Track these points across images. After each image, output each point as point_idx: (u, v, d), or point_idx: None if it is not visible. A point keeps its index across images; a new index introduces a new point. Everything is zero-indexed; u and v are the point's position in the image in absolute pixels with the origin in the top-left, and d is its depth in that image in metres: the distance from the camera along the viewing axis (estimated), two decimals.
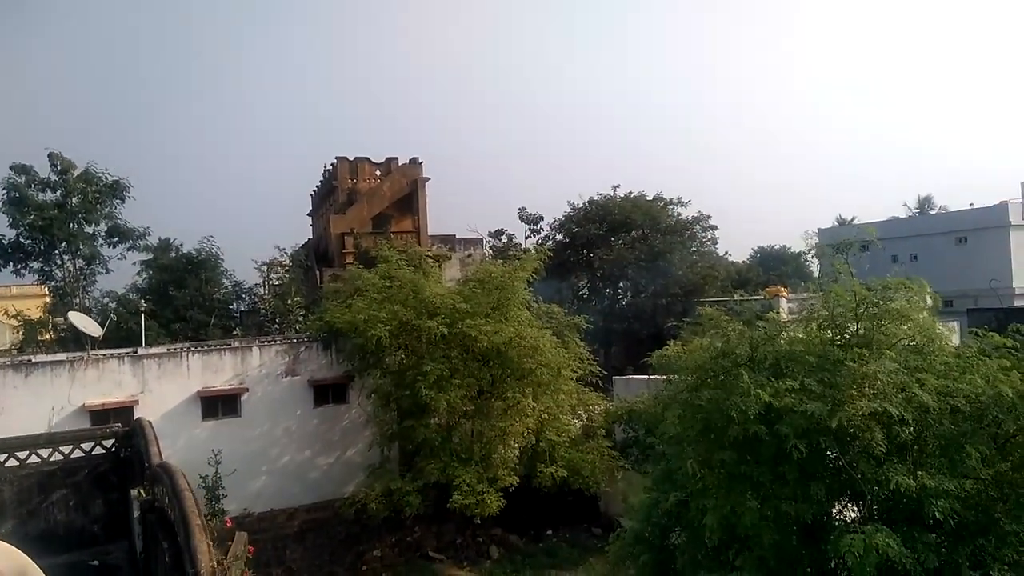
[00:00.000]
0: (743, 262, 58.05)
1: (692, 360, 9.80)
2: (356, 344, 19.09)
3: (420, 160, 38.61)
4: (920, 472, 7.18)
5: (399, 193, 37.43)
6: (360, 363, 20.02)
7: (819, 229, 58.96)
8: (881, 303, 8.75)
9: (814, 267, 63.79)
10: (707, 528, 8.50)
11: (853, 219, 64.50)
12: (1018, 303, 36.40)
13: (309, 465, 20.16)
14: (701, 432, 8.69)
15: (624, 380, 22.82)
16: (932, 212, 61.94)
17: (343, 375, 20.91)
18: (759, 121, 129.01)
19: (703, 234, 44.47)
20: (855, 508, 8.31)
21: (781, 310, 33.84)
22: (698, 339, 12.59)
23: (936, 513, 6.99)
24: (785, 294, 37.24)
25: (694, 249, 43.71)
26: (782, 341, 9.07)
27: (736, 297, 39.58)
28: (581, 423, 19.49)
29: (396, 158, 38.67)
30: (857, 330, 8.83)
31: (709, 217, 44.25)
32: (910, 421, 7.45)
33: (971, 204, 49.89)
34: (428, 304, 18.95)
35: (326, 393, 21.05)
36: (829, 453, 7.95)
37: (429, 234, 37.63)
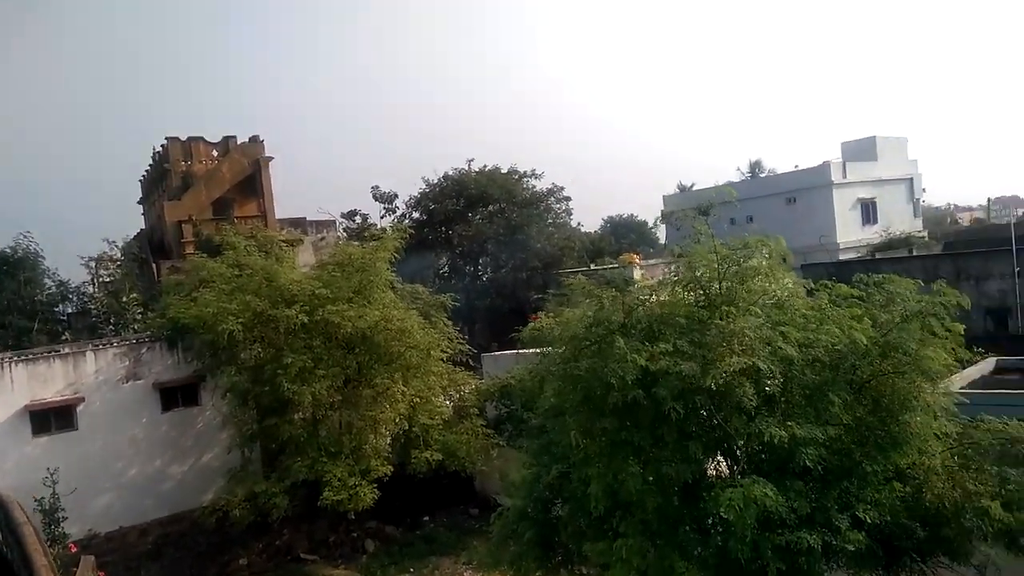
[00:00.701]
0: (595, 232, 59.96)
1: (567, 331, 9.69)
2: (205, 340, 17.70)
3: (261, 139, 36.43)
4: (790, 423, 7.40)
5: (240, 175, 35.05)
6: (211, 361, 18.63)
7: (664, 196, 61.84)
8: (742, 262, 8.99)
9: (660, 233, 66.92)
10: (592, 497, 8.44)
11: (692, 185, 68.11)
12: (843, 257, 39.77)
13: (161, 476, 18.59)
14: (581, 402, 8.58)
15: (493, 357, 22.73)
16: (762, 175, 66.37)
17: (193, 375, 19.40)
18: (598, 96, 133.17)
19: (558, 206, 45.27)
20: (728, 463, 8.53)
21: (635, 276, 35.28)
22: (570, 309, 12.57)
23: (807, 461, 7.25)
24: (638, 261, 38.80)
25: (550, 221, 44.40)
26: (651, 305, 9.12)
27: (593, 267, 40.94)
28: (453, 404, 19.18)
29: (234, 137, 36.17)
30: (720, 289, 9.01)
31: (563, 188, 45.10)
32: (777, 374, 7.68)
33: (796, 166, 54.00)
34: (284, 292, 17.86)
35: (175, 396, 19.46)
36: (703, 412, 8.06)
37: (277, 218, 35.68)
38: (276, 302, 17.53)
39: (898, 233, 44.11)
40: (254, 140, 36.03)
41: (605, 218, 72.77)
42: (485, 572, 15.48)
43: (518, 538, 10.73)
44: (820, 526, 7.40)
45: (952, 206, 79.01)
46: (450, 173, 43.98)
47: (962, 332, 7.97)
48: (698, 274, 9.16)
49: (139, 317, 25.04)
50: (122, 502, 17.91)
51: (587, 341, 9.15)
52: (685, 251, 9.38)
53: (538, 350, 18.75)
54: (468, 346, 19.75)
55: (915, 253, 35.24)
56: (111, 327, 26.22)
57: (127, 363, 18.87)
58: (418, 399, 17.82)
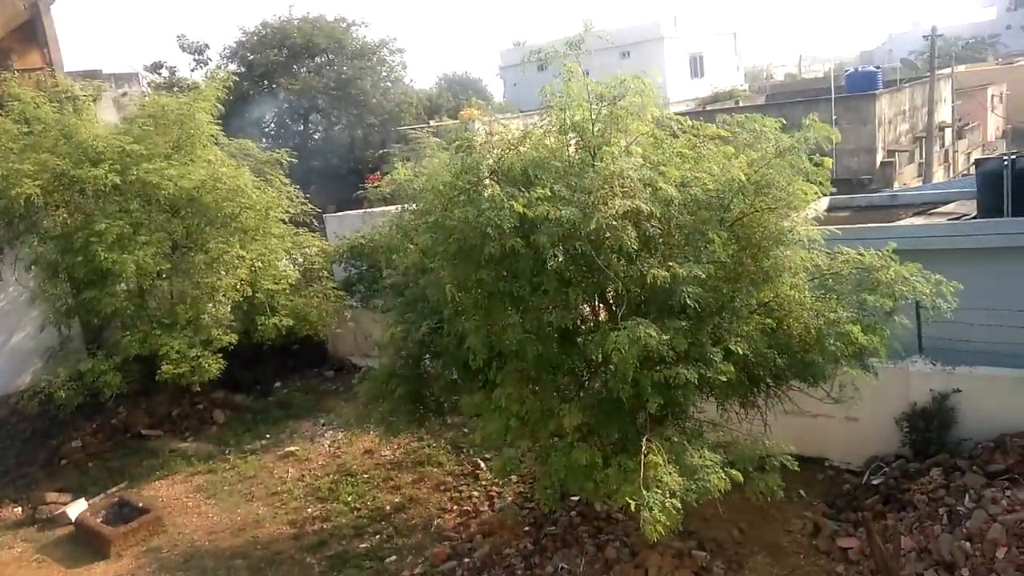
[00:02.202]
0: (431, 89, 57.75)
1: (433, 181, 9.03)
2: None
3: None
4: (671, 263, 7.36)
5: (15, 20, 29.36)
6: (7, 231, 16.10)
7: (501, 52, 60.44)
8: (616, 101, 8.61)
9: (495, 90, 65.65)
10: (471, 351, 8.18)
11: (525, 42, 66.71)
12: (674, 110, 40.97)
13: None
14: (455, 254, 8.09)
15: (337, 217, 21.62)
16: (594, 31, 65.98)
17: None
18: None
19: (391, 58, 42.64)
20: (605, 307, 8.51)
21: (478, 132, 34.44)
22: (430, 159, 11.83)
23: (688, 300, 7.28)
24: (479, 115, 37.89)
25: (384, 75, 41.90)
26: (524, 150, 8.60)
27: (432, 123, 39.50)
28: (299, 267, 18.05)
29: None
30: (594, 131, 8.63)
31: (395, 39, 42.51)
32: (657, 215, 7.54)
33: (624, 24, 54.13)
34: (88, 149, 15.50)
35: None
36: (583, 258, 7.84)
37: (67, 70, 30.95)
38: (79, 161, 15.26)
39: (724, 88, 45.98)
40: None
41: (440, 75, 70.15)
42: (348, 431, 15.36)
43: (388, 395, 10.48)
44: (695, 360, 7.60)
45: (769, 63, 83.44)
46: (269, 20, 39.96)
47: (831, 167, 8.18)
48: (572, 117, 8.69)
49: None
50: None
51: (456, 190, 8.57)
52: (557, 91, 8.80)
53: (388, 208, 17.99)
54: (311, 206, 18.44)
55: (741, 104, 36.91)
56: None
57: None
58: (259, 263, 16.55)
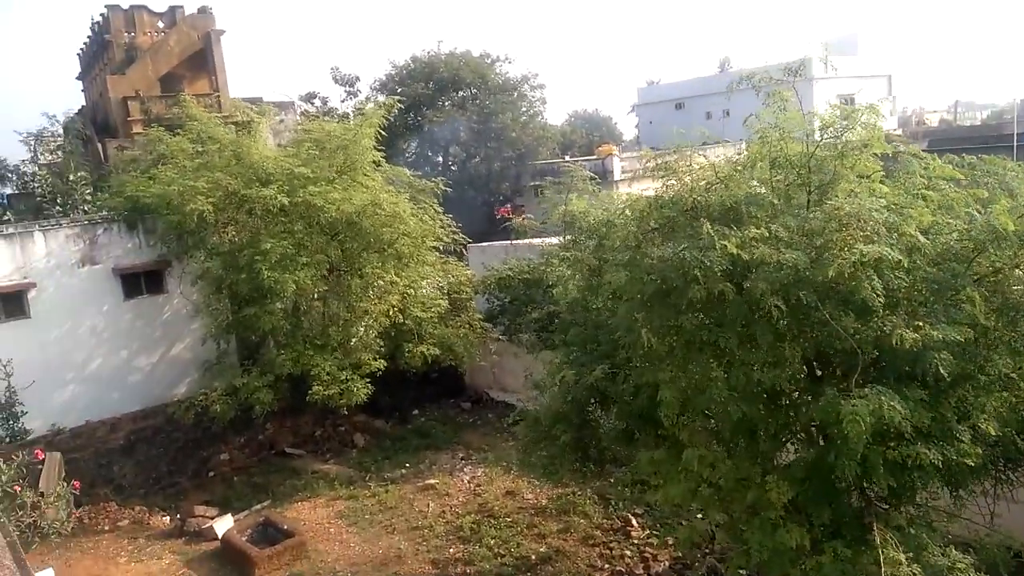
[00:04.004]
0: (562, 125, 57.93)
1: (625, 215, 8.40)
2: (170, 222, 15.91)
3: (210, 9, 33.14)
4: (920, 323, 6.31)
5: (189, 48, 32.14)
6: (178, 245, 16.91)
7: (638, 89, 60.10)
8: (842, 134, 7.73)
9: (623, 128, 64.99)
10: (662, 404, 7.36)
11: (658, 80, 65.93)
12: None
13: (128, 367, 17.08)
14: (652, 296, 7.34)
15: (480, 248, 21.44)
16: (730, 70, 64.37)
17: (158, 260, 17.63)
18: None
19: (532, 94, 42.89)
20: (830, 369, 7.48)
21: (615, 168, 33.81)
22: (604, 192, 11.26)
23: (941, 367, 6.19)
24: (617, 152, 37.29)
25: (524, 110, 42.14)
26: (732, 183, 7.80)
27: (567, 158, 39.03)
28: (445, 295, 17.88)
29: (181, 7, 32.89)
30: (813, 165, 7.73)
31: (537, 75, 42.79)
32: (905, 265, 6.52)
33: (766, 63, 52.30)
34: (258, 170, 16.03)
35: (138, 282, 17.70)
36: (806, 310, 6.89)
37: (231, 97, 32.96)
38: (249, 181, 15.78)
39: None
40: (203, 12, 32.72)
41: (570, 112, 70.41)
42: (488, 468, 14.82)
43: (552, 441, 9.80)
44: (936, 439, 6.47)
45: (920, 108, 78.57)
46: (418, 55, 41.24)
47: None
48: (786, 149, 7.84)
49: (89, 198, 22.82)
50: (87, 395, 16.42)
51: (657, 225, 7.86)
52: (776, 122, 7.98)
53: (534, 241, 17.51)
54: (465, 236, 18.26)
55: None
56: (58, 208, 23.94)
57: (82, 246, 16.94)
58: (411, 290, 16.47)
